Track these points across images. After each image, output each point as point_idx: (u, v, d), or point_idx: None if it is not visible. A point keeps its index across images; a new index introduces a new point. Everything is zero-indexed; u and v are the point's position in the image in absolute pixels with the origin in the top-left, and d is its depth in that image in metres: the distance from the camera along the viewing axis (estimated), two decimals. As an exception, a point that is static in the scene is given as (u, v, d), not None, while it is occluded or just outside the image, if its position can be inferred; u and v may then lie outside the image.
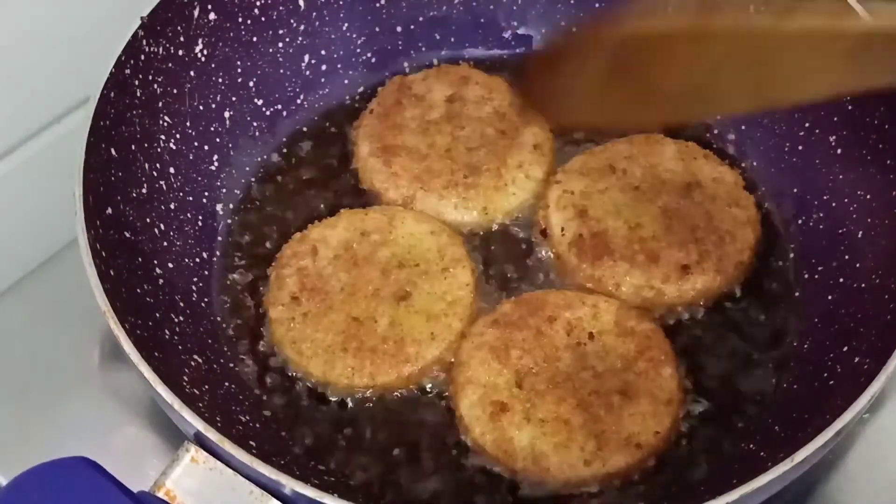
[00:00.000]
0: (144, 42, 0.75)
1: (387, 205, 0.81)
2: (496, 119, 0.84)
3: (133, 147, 0.74)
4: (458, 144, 0.82)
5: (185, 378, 0.66)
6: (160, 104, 0.77)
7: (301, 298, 0.74)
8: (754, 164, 0.84)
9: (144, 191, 0.74)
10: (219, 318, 0.76)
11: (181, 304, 0.73)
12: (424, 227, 0.78)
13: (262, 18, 0.84)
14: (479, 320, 0.74)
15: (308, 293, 0.74)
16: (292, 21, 0.85)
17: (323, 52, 0.88)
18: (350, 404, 0.72)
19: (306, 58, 0.87)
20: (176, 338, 0.70)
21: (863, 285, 0.71)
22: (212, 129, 0.81)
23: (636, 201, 0.79)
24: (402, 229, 0.78)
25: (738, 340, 0.75)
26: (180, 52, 0.78)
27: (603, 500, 0.68)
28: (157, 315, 0.69)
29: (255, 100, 0.85)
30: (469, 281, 0.75)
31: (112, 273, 0.65)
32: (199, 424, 0.58)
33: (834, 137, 0.78)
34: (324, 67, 0.88)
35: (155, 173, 0.76)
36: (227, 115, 0.83)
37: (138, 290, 0.69)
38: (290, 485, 0.56)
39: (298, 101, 0.87)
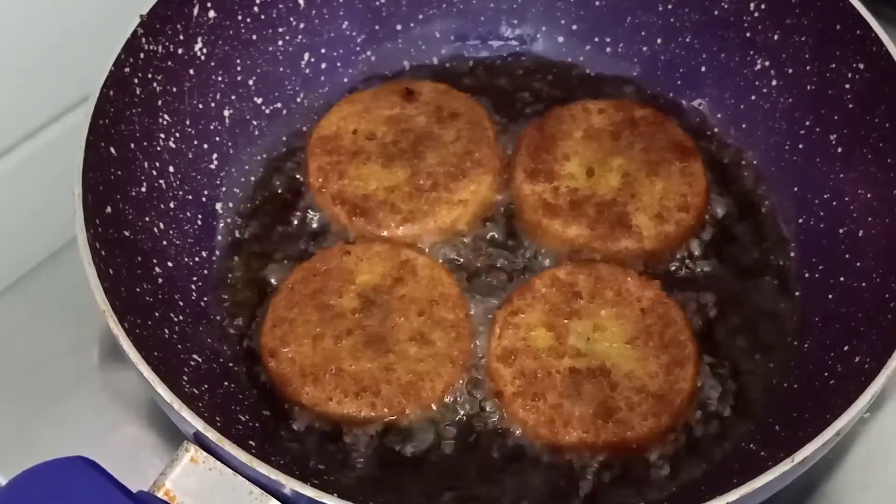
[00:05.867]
0: (144, 40, 0.74)
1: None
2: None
3: (132, 146, 0.74)
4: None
5: (185, 378, 0.66)
6: (159, 103, 0.77)
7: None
8: (755, 162, 0.84)
9: (144, 189, 0.74)
10: (218, 318, 0.76)
11: (181, 304, 0.73)
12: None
13: (262, 16, 0.83)
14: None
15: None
16: (292, 19, 0.85)
17: (323, 51, 0.88)
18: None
19: (306, 56, 0.87)
20: (175, 337, 0.70)
21: (863, 284, 0.71)
22: (211, 127, 0.81)
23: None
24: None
25: (738, 340, 0.75)
26: (180, 51, 0.78)
27: (602, 499, 0.68)
28: (157, 314, 0.69)
29: (255, 98, 0.84)
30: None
31: (111, 272, 0.65)
32: (198, 424, 0.58)
33: (834, 136, 0.78)
34: (323, 66, 0.88)
35: (154, 172, 0.76)
36: (226, 113, 0.82)
37: (137, 290, 0.69)
38: (290, 485, 0.56)
39: (298, 100, 0.87)
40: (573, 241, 0.78)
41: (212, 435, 0.58)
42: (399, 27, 0.90)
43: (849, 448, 0.75)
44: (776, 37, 0.81)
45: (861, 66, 0.75)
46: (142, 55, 0.74)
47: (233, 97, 0.83)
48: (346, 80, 0.89)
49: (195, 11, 0.79)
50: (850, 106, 0.76)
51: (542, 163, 0.81)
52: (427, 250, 0.79)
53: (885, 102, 0.73)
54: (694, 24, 0.86)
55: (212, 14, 0.80)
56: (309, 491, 0.56)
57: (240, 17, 0.82)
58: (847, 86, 0.76)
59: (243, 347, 0.75)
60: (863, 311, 0.70)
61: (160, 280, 0.72)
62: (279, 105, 0.86)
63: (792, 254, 0.79)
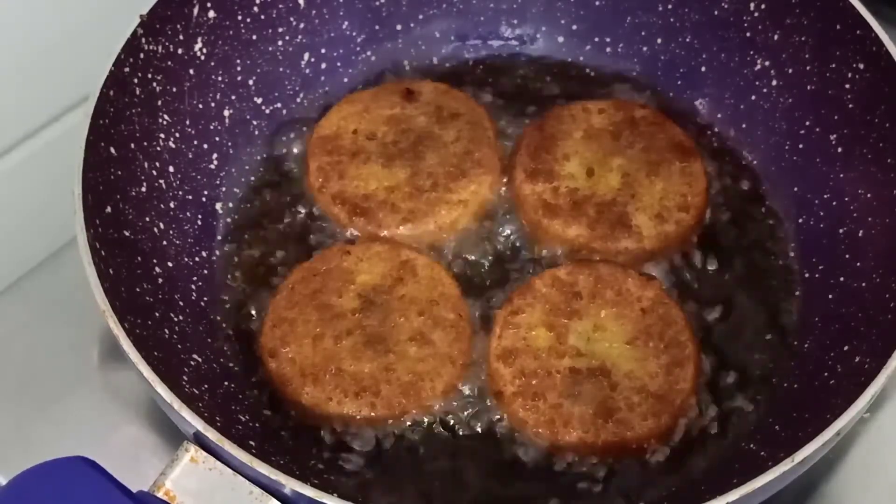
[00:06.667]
0: (144, 40, 0.74)
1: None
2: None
3: (132, 146, 0.74)
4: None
5: (185, 378, 0.66)
6: (159, 103, 0.77)
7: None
8: (755, 162, 0.84)
9: (144, 189, 0.74)
10: (218, 318, 0.76)
11: (181, 304, 0.73)
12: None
13: (262, 16, 0.83)
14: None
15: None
16: (292, 19, 0.85)
17: (323, 51, 0.88)
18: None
19: (306, 56, 0.87)
20: (175, 337, 0.70)
21: (863, 284, 0.71)
22: (211, 127, 0.81)
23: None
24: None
25: (738, 340, 0.75)
26: (179, 51, 0.78)
27: (602, 499, 0.68)
28: (157, 314, 0.69)
29: (255, 98, 0.84)
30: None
31: (111, 272, 0.65)
32: (198, 424, 0.58)
33: (834, 136, 0.78)
34: (323, 66, 0.88)
35: (154, 172, 0.76)
36: (226, 113, 0.82)
37: (137, 290, 0.69)
38: (290, 485, 0.56)
39: (298, 100, 0.87)
40: (573, 241, 0.78)
41: (212, 435, 0.58)
42: (399, 27, 0.90)
43: (849, 448, 0.75)
44: (776, 37, 0.81)
45: (861, 66, 0.75)
46: (142, 55, 0.74)
47: (233, 97, 0.83)
48: (346, 80, 0.89)
49: (195, 11, 0.79)
50: (850, 106, 0.76)
51: (542, 163, 0.81)
52: (427, 250, 0.79)
53: (885, 102, 0.73)
54: (694, 24, 0.86)
55: (212, 14, 0.80)
56: (309, 491, 0.56)
57: (240, 17, 0.82)
58: (847, 86, 0.76)
59: (243, 347, 0.75)
60: (863, 311, 0.70)
61: (160, 280, 0.72)
62: (279, 105, 0.86)
63: (792, 254, 0.79)
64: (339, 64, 0.89)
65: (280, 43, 0.85)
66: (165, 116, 0.77)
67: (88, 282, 0.63)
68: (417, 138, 0.83)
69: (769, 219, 0.81)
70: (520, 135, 0.84)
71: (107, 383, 0.79)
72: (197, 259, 0.78)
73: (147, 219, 0.74)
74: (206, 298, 0.76)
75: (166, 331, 0.69)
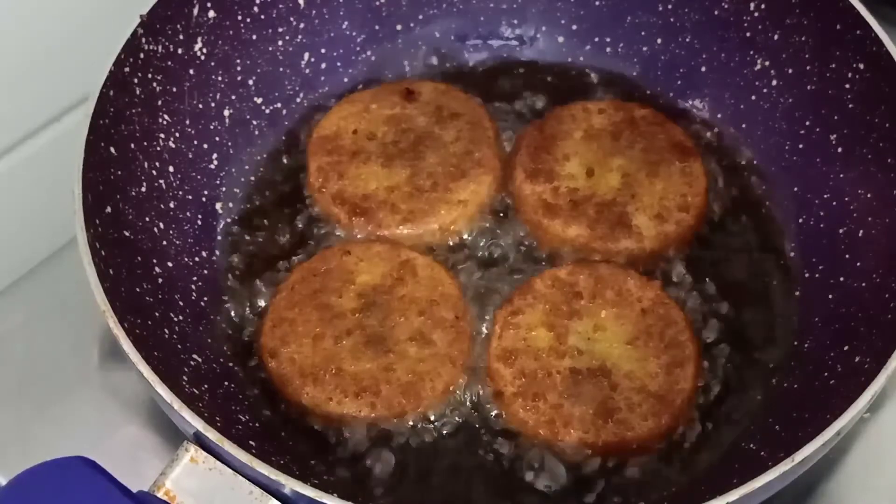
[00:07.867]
0: (144, 40, 0.74)
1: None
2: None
3: (132, 146, 0.74)
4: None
5: (185, 378, 0.66)
6: (159, 102, 0.77)
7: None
8: (755, 162, 0.84)
9: (144, 189, 0.74)
10: (218, 318, 0.76)
11: (181, 304, 0.73)
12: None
13: (262, 16, 0.83)
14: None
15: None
16: (292, 19, 0.85)
17: (323, 51, 0.88)
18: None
19: (306, 56, 0.87)
20: (175, 337, 0.70)
21: (863, 284, 0.71)
22: (211, 127, 0.81)
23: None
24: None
25: (738, 340, 0.75)
26: (179, 51, 0.78)
27: (602, 500, 0.68)
28: (157, 314, 0.69)
29: (255, 98, 0.84)
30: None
31: (111, 272, 0.65)
32: (198, 424, 0.58)
33: (834, 136, 0.78)
34: (323, 66, 0.88)
35: (154, 172, 0.76)
36: (226, 113, 0.82)
37: (138, 290, 0.69)
38: (290, 485, 0.56)
39: (298, 100, 0.87)
40: (573, 241, 0.78)
41: (212, 435, 0.58)
42: (399, 27, 0.90)
43: (849, 448, 0.75)
44: (776, 37, 0.81)
45: (861, 66, 0.75)
46: (142, 55, 0.74)
47: (233, 97, 0.83)
48: (346, 80, 0.89)
49: (195, 11, 0.79)
50: (850, 106, 0.76)
51: (542, 163, 0.81)
52: (427, 250, 0.79)
53: (885, 102, 0.73)
54: (694, 24, 0.86)
55: (212, 14, 0.80)
56: (309, 491, 0.56)
57: (240, 17, 0.82)
58: (847, 86, 0.76)
59: (243, 348, 0.75)
60: (863, 311, 0.70)
61: (160, 280, 0.72)
62: (279, 105, 0.86)
63: (792, 254, 0.79)
64: (339, 64, 0.89)
65: (280, 43, 0.85)
66: (165, 116, 0.77)
67: (88, 282, 0.63)
68: (417, 138, 0.83)
69: (769, 219, 0.81)
70: (520, 135, 0.84)
71: (107, 383, 0.79)
72: (197, 259, 0.78)
73: (147, 219, 0.74)
74: (206, 298, 0.76)
75: (166, 331, 0.69)
